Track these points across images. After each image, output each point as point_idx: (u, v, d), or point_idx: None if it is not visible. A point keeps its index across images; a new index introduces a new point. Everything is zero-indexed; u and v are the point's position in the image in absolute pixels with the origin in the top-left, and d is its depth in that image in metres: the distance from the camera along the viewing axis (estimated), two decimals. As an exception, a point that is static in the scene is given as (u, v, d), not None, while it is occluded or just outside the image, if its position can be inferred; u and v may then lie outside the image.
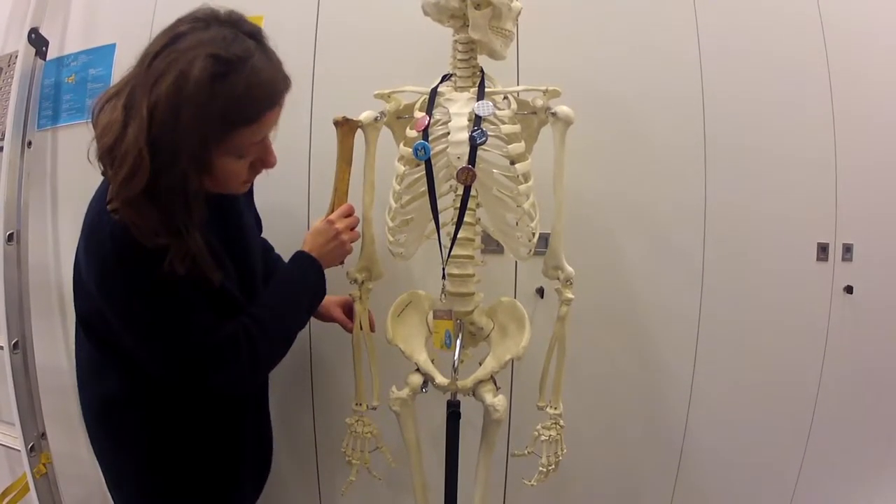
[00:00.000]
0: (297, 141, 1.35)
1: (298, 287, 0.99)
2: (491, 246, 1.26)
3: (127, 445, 0.95)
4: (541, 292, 1.31)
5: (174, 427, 0.94)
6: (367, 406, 1.18)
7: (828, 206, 1.48)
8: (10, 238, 1.40)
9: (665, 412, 1.40)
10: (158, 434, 0.94)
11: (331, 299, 1.17)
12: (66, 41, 1.50)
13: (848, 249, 1.52)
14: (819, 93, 1.44)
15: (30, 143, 1.45)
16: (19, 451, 1.42)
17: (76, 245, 0.86)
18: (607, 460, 1.40)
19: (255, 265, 1.01)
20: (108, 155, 0.75)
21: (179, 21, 0.79)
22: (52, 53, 1.49)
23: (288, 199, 1.35)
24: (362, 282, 1.14)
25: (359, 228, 1.12)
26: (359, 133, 1.13)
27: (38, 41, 1.47)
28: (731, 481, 1.46)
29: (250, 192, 1.06)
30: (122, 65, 1.41)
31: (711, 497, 1.45)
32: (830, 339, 1.50)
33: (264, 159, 0.87)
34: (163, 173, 0.72)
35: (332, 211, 1.10)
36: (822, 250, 1.49)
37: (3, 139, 1.45)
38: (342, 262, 1.12)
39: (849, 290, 1.52)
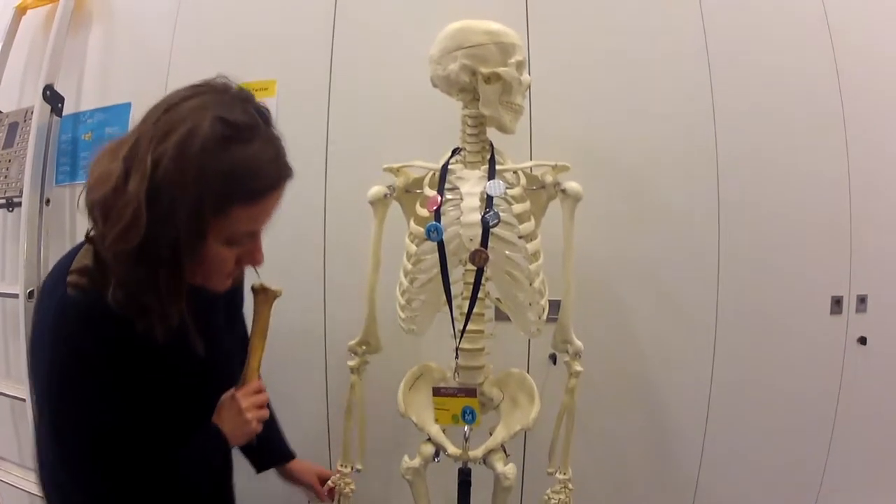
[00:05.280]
0: (312, 216, 1.48)
1: (195, 466, 0.91)
2: (503, 314, 1.36)
3: None
4: (553, 358, 1.41)
5: None
6: (353, 468, 1.28)
7: (842, 259, 1.56)
8: (30, 295, 1.52)
9: (676, 472, 1.49)
10: None
11: (310, 466, 1.22)
12: (81, 97, 1.62)
13: (862, 300, 1.60)
14: (833, 147, 1.52)
15: (48, 201, 1.57)
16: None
17: None
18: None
19: (222, 363, 0.99)
20: (101, 206, 0.75)
21: (193, 85, 0.81)
22: (68, 109, 1.61)
23: (303, 275, 1.48)
24: (361, 354, 1.24)
25: (363, 309, 1.20)
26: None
27: (52, 98, 1.59)
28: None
29: (239, 295, 1.06)
30: (138, 124, 1.56)
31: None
32: (843, 391, 1.59)
33: (253, 255, 0.87)
34: (157, 229, 0.73)
35: (243, 384, 0.99)
36: (837, 303, 1.58)
37: (21, 195, 1.57)
38: (253, 441, 0.99)
39: (862, 341, 1.60)
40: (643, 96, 1.42)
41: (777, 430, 1.54)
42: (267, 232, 0.90)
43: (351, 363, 1.25)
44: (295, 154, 1.43)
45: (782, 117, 1.48)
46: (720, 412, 1.49)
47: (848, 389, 1.59)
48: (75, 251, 0.84)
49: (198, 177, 0.73)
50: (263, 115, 0.83)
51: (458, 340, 1.15)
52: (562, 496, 1.24)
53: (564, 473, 1.24)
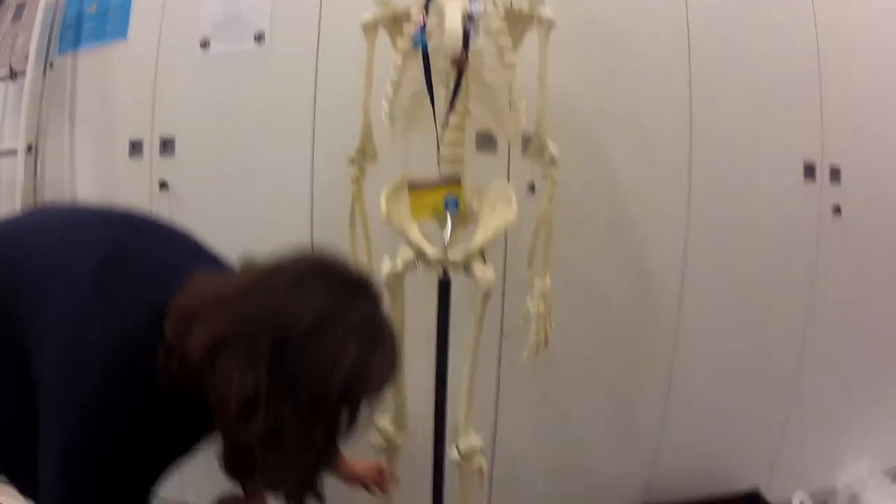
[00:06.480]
0: (304, 52, 1.56)
1: None
2: (485, 145, 1.45)
3: None
4: (532, 188, 1.48)
5: None
6: None
7: (814, 125, 1.64)
8: (29, 149, 1.61)
9: (656, 319, 1.56)
10: None
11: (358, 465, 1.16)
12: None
13: (836, 172, 1.68)
14: (804, 10, 1.61)
15: (52, 64, 1.67)
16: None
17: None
18: (599, 357, 1.56)
19: None
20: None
21: (319, 274, 0.74)
22: (75, -12, 1.73)
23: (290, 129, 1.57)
24: (359, 162, 1.33)
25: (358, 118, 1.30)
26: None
27: (62, -27, 1.71)
28: (722, 392, 1.61)
29: None
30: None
31: (702, 409, 1.60)
32: (819, 259, 1.66)
33: None
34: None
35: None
36: (809, 170, 1.66)
37: (26, 61, 1.67)
38: None
39: (837, 210, 1.68)
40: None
41: (753, 290, 1.60)
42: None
43: (351, 173, 1.32)
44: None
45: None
46: (698, 263, 1.55)
47: (824, 257, 1.66)
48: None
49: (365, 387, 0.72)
50: (378, 297, 0.78)
51: (439, 138, 1.23)
52: (541, 306, 1.30)
53: (543, 279, 1.30)
